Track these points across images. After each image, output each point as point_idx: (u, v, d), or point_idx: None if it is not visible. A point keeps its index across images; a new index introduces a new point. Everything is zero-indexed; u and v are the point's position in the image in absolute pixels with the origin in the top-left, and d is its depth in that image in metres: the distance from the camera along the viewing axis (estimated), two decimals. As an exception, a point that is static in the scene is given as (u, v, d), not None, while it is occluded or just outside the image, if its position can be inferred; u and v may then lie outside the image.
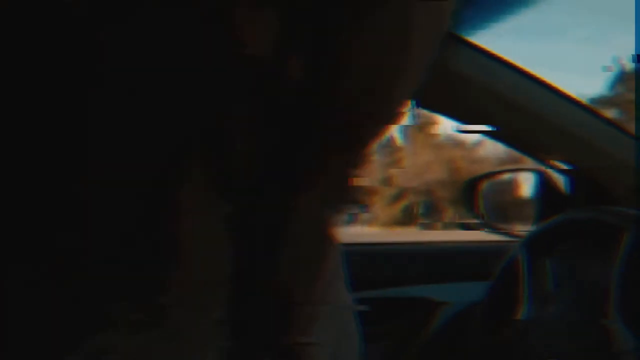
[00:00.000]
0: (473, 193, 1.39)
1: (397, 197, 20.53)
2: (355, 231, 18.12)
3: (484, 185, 1.42)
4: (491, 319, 0.92)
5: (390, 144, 22.02)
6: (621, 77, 23.98)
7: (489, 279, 0.98)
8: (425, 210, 19.54)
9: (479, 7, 1.02)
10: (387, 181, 20.86)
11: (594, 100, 24.26)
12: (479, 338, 0.93)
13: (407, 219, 19.03)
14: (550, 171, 1.19)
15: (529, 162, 1.33)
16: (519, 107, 0.99)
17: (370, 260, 1.31)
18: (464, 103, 1.01)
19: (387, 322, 1.26)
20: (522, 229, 1.16)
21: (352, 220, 19.89)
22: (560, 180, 1.17)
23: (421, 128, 23.47)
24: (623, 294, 0.70)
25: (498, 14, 1.06)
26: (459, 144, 22.17)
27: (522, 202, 1.37)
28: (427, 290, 1.27)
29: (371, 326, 1.23)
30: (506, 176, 1.46)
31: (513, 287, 0.90)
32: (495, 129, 1.06)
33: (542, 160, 1.13)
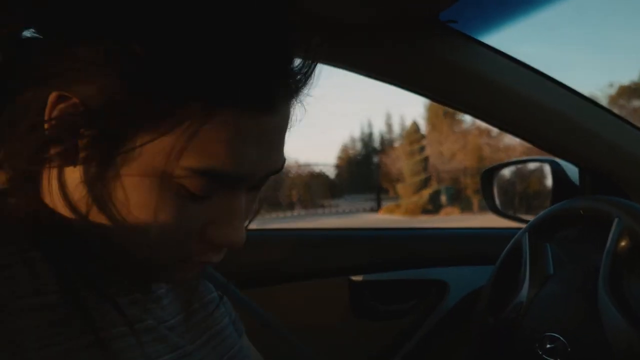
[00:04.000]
0: (489, 182, 1.45)
1: (423, 185, 20.40)
2: (380, 218, 18.09)
3: (499, 174, 1.48)
4: (495, 299, 0.99)
5: (415, 131, 21.84)
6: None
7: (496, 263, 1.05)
8: (451, 197, 19.38)
9: (491, 8, 1.07)
10: (412, 169, 20.72)
11: (626, 88, 23.66)
12: (483, 318, 0.99)
13: (433, 206, 18.90)
14: (561, 162, 1.24)
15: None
16: (528, 103, 1.03)
17: (388, 244, 1.38)
18: (475, 100, 1.05)
19: (404, 301, 1.34)
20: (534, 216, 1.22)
21: (378, 208, 19.85)
22: (570, 170, 1.21)
23: (446, 116, 23.21)
24: (611, 274, 0.76)
25: (514, 14, 1.10)
26: (484, 132, 21.89)
27: (535, 191, 1.43)
28: (441, 272, 1.34)
29: (391, 304, 1.31)
30: (520, 166, 1.51)
31: (515, 270, 0.96)
32: (506, 124, 1.10)
33: (552, 153, 1.17)
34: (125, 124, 0.40)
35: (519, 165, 1.52)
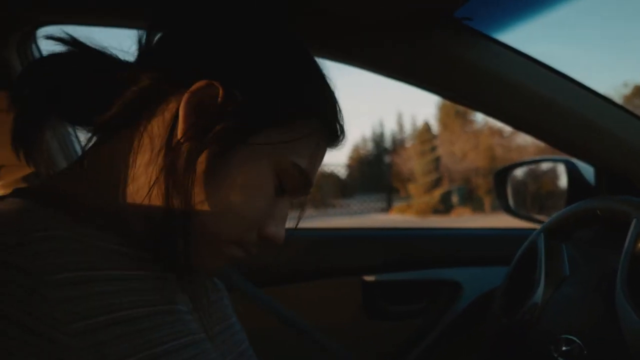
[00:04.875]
0: (502, 182, 1.44)
1: (434, 185, 20.31)
2: (392, 218, 18.05)
3: (513, 174, 1.47)
4: (509, 300, 0.97)
5: (426, 131, 21.76)
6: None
7: (510, 263, 1.04)
8: (462, 197, 19.27)
9: (506, 5, 1.05)
10: (423, 169, 20.65)
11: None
12: (497, 319, 0.98)
13: (444, 206, 18.81)
14: (576, 161, 1.22)
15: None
16: (543, 102, 1.02)
17: (401, 244, 1.37)
18: (490, 98, 1.04)
19: (417, 302, 1.33)
20: (548, 217, 1.20)
21: (389, 208, 19.80)
22: (586, 170, 1.20)
23: (457, 115, 23.10)
24: (629, 275, 0.75)
25: (528, 12, 1.09)
26: (496, 132, 21.74)
27: (550, 191, 1.41)
28: (454, 273, 1.33)
29: (403, 305, 1.31)
30: (533, 166, 1.50)
31: (530, 271, 0.95)
32: (521, 123, 1.09)
33: (568, 152, 1.16)
34: (263, 122, 0.50)
35: (533, 166, 1.50)
